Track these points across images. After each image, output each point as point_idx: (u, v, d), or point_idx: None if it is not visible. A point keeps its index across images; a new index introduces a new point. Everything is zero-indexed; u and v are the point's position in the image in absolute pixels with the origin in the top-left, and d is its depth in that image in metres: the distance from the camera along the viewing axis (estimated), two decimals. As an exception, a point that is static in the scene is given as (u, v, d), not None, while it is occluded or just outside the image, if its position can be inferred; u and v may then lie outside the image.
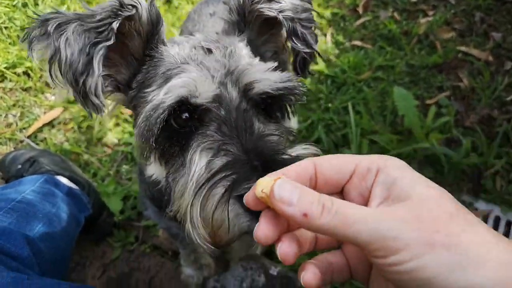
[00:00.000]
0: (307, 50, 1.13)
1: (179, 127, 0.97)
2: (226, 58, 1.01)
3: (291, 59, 1.22)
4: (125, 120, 2.68)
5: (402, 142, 2.56)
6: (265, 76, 0.99)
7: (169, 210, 0.95)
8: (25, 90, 2.84)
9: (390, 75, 3.00)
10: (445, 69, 3.08)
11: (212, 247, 0.86)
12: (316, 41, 1.17)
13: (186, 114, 0.96)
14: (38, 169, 2.08)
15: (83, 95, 0.93)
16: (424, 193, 0.59)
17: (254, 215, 0.75)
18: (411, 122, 2.52)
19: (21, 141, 2.62)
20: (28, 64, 2.85)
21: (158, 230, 2.29)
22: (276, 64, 1.04)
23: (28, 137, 2.63)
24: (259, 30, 1.20)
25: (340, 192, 0.69)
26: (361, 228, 0.56)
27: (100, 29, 0.92)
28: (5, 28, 3.05)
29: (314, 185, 0.66)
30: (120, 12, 0.93)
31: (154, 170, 1.13)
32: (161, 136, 0.96)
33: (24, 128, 2.68)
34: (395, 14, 3.45)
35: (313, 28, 1.15)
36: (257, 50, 1.16)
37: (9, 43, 2.98)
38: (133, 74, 1.10)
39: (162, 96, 0.93)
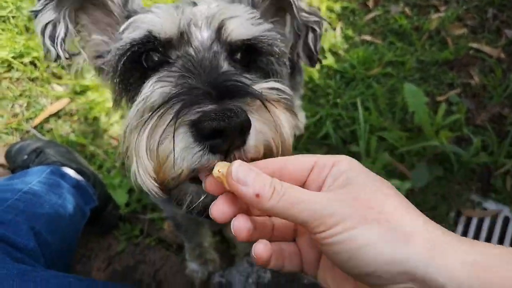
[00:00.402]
0: (315, 19, 1.12)
1: (148, 67, 0.94)
2: (209, 8, 0.97)
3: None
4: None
5: (412, 140, 2.53)
6: (241, 20, 0.94)
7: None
8: (32, 80, 2.83)
9: (400, 71, 2.96)
10: (456, 66, 3.04)
11: (159, 190, 0.78)
12: (318, 46, 1.15)
13: (156, 54, 0.93)
14: (44, 160, 2.07)
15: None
16: (365, 180, 0.66)
17: (205, 146, 0.70)
18: (421, 119, 2.48)
19: (27, 132, 2.61)
20: (35, 54, 2.84)
21: (164, 223, 2.28)
22: (260, 19, 1.00)
23: (35, 127, 2.62)
24: (266, 10, 1.16)
25: (302, 186, 0.72)
26: (304, 207, 0.62)
27: None
28: (13, 17, 3.04)
29: (279, 178, 0.68)
30: None
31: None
32: (131, 76, 0.94)
33: (30, 119, 2.67)
34: (406, 9, 3.40)
35: (317, 32, 1.13)
36: None
37: (16, 33, 2.96)
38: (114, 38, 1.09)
39: (128, 34, 0.93)
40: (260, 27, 0.98)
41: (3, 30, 2.97)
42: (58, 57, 1.04)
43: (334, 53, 3.08)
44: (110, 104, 2.69)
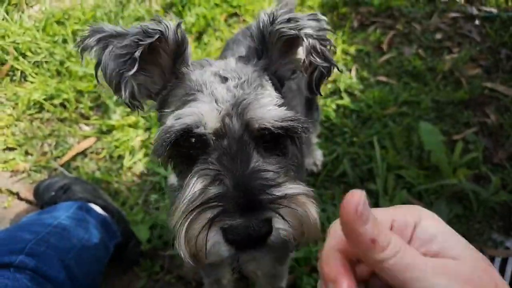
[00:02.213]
0: (326, 64, 1.17)
1: (188, 148, 1.06)
2: (237, 89, 1.08)
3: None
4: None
5: (429, 178, 2.54)
6: (268, 113, 1.04)
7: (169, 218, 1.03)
8: (61, 120, 2.98)
9: (416, 110, 3.01)
10: (471, 105, 3.08)
11: (195, 264, 0.94)
12: (333, 57, 1.22)
13: (193, 139, 1.05)
14: (71, 196, 2.15)
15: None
16: (470, 256, 0.59)
17: (233, 245, 0.86)
18: (438, 157, 2.50)
19: (55, 169, 2.72)
20: (65, 96, 3.00)
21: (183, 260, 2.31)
22: (282, 100, 1.12)
23: (62, 165, 2.73)
24: (280, 53, 1.25)
25: None
26: (419, 276, 0.54)
27: (124, 59, 1.03)
28: (46, 62, 3.24)
29: None
30: (141, 42, 1.03)
31: (174, 179, 1.23)
32: (172, 152, 1.06)
33: (58, 157, 2.79)
34: (420, 51, 3.50)
35: (329, 46, 1.20)
36: (277, 72, 1.25)
37: (49, 76, 3.16)
38: (163, 87, 1.19)
39: (172, 121, 1.03)
40: (286, 113, 1.08)
41: (36, 74, 3.16)
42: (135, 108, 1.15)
43: (350, 94, 3.17)
44: (134, 142, 2.80)
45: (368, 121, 2.96)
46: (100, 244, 1.77)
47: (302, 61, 1.26)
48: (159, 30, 1.05)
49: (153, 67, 1.19)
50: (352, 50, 3.49)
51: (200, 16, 3.63)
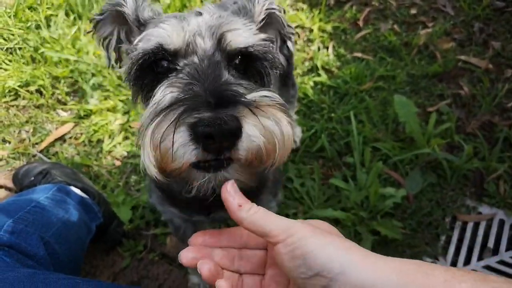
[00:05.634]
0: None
1: (159, 73, 1.07)
2: (212, 18, 1.09)
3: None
4: (134, 134, 2.77)
5: (404, 149, 2.61)
6: (242, 34, 1.07)
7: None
8: (38, 107, 2.95)
9: (391, 84, 3.06)
10: (445, 78, 3.14)
11: (162, 177, 0.88)
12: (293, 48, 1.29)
13: (165, 62, 1.06)
14: (50, 180, 2.15)
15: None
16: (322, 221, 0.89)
17: (199, 145, 0.81)
18: (412, 128, 2.56)
19: (34, 156, 2.71)
20: (40, 82, 2.97)
21: (166, 239, 2.35)
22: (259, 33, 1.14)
23: (41, 151, 2.72)
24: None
25: None
26: (270, 221, 0.80)
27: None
28: (19, 49, 3.19)
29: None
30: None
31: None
32: (145, 79, 1.08)
33: (36, 143, 2.77)
34: (395, 26, 3.53)
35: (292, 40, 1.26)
36: None
37: (23, 63, 3.11)
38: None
39: (142, 45, 1.07)
40: (256, 37, 1.11)
41: (10, 61, 3.12)
42: (110, 63, 1.29)
43: (327, 70, 3.20)
44: (112, 126, 2.80)
45: (345, 97, 3.00)
46: (81, 224, 1.79)
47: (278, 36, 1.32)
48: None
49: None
50: (328, 27, 3.51)
51: (175, -3, 3.60)
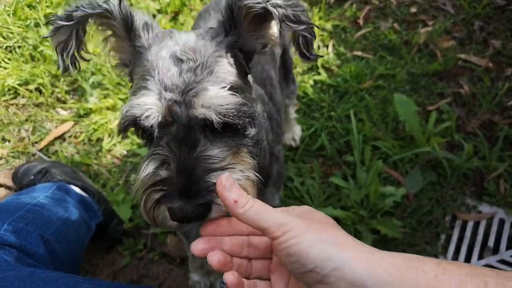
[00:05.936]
0: (303, 27, 1.15)
1: (143, 132, 1.14)
2: (190, 73, 1.08)
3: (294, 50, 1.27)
4: (133, 133, 2.76)
5: (404, 148, 2.61)
6: (214, 102, 1.06)
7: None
8: (37, 105, 2.95)
9: (391, 83, 3.06)
10: (445, 76, 3.14)
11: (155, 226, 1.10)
12: (310, 18, 1.21)
13: (142, 129, 1.11)
14: (50, 179, 2.15)
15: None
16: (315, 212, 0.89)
17: (177, 219, 0.98)
18: (412, 127, 2.56)
19: (33, 155, 2.70)
20: (40, 80, 2.97)
21: (166, 237, 2.35)
22: (239, 81, 1.17)
23: (40, 150, 2.72)
24: (250, 28, 1.24)
25: None
26: (267, 216, 0.82)
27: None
28: (18, 47, 3.18)
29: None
30: (85, 10, 1.12)
31: None
32: (134, 131, 1.15)
33: (36, 142, 2.77)
34: (395, 25, 3.53)
35: (303, 10, 1.19)
36: (245, 47, 1.24)
37: (22, 61, 3.10)
38: (131, 59, 1.24)
39: (126, 109, 1.10)
40: (229, 98, 1.09)
41: (9, 59, 3.11)
42: (65, 69, 1.23)
43: (327, 69, 3.20)
44: (112, 125, 2.79)
45: (345, 96, 3.00)
46: (81, 222, 1.79)
47: (277, 33, 1.26)
48: (104, 7, 1.12)
49: (119, 40, 1.24)
50: (328, 26, 3.50)
51: (175, -4, 3.59)
